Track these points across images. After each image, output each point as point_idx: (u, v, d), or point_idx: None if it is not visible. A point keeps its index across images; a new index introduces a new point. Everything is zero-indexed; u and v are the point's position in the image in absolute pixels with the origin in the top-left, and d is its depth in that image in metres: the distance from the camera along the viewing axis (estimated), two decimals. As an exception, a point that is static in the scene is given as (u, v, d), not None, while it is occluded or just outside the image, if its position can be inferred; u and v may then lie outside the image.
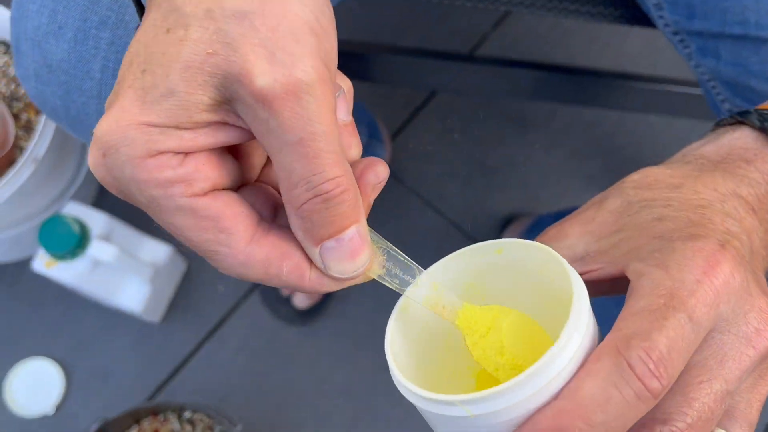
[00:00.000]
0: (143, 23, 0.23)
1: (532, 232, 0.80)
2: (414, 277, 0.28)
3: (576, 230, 0.29)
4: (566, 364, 0.24)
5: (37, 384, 0.86)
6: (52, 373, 0.86)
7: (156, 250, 0.82)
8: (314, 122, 0.22)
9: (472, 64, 0.76)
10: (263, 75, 0.22)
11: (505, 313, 0.28)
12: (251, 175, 0.27)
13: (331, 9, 0.24)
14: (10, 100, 0.83)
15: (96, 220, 0.77)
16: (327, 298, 0.90)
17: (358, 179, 0.25)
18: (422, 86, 0.80)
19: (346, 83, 0.26)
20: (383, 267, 0.28)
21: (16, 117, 0.83)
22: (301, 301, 0.88)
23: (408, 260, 0.28)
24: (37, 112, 0.83)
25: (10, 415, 0.85)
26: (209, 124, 0.23)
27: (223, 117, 0.23)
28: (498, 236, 0.95)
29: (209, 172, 0.23)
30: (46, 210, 0.80)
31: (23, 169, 0.71)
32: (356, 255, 0.25)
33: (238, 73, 0.22)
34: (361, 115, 0.74)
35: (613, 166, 0.99)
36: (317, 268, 0.25)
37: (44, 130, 0.73)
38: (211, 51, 0.22)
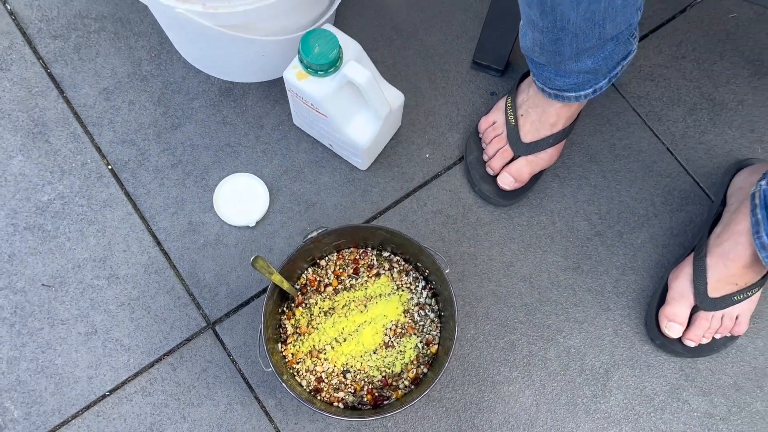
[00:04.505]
0: None
1: None
2: None
3: None
4: None
5: (245, 197, 0.90)
6: (259, 190, 0.90)
7: (391, 94, 0.84)
8: None
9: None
10: None
11: None
12: None
13: None
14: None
15: (349, 45, 0.79)
16: (528, 187, 0.90)
17: None
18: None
19: None
20: None
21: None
22: (505, 182, 0.88)
23: None
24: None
25: (216, 219, 0.89)
26: None
27: None
28: (713, 172, 0.92)
29: None
30: (303, 29, 0.83)
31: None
32: None
33: None
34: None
35: None
36: None
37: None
38: None
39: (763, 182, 0.78)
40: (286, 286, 0.76)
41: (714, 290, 0.83)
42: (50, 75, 0.94)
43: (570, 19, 0.66)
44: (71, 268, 0.87)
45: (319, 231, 0.76)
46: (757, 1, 0.78)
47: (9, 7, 0.97)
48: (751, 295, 0.83)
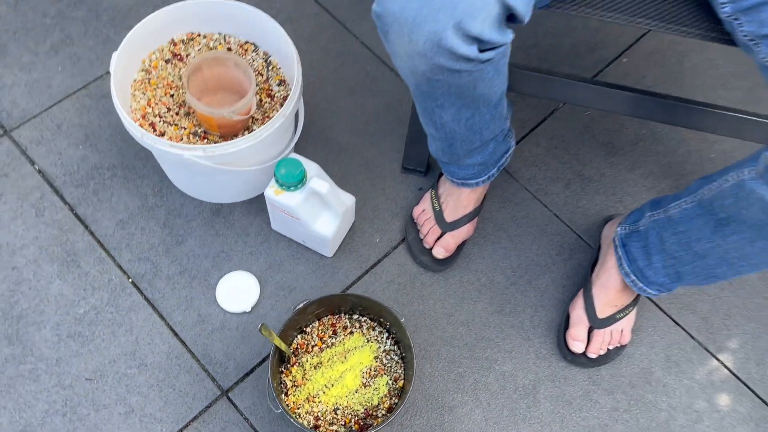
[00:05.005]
0: None
1: (627, 221, 1.07)
2: None
3: None
4: None
5: (240, 289, 1.15)
6: (251, 283, 1.15)
7: (345, 197, 1.12)
8: None
9: (592, 85, 1.08)
10: None
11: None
12: None
13: None
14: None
15: (310, 165, 1.08)
16: (456, 254, 1.18)
17: None
18: (552, 97, 1.11)
19: None
20: None
21: (253, 96, 1.17)
22: (438, 253, 1.17)
23: None
24: (269, 95, 1.17)
25: (219, 309, 1.14)
26: None
27: None
28: (589, 228, 1.23)
29: None
30: (275, 159, 1.12)
31: (277, 119, 1.04)
32: None
33: None
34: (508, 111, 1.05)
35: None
36: None
37: (290, 100, 1.06)
38: None
39: (619, 229, 1.08)
40: (283, 347, 1.00)
41: (601, 312, 1.11)
42: (76, 215, 1.20)
43: (456, 130, 0.96)
44: (108, 363, 1.09)
45: (304, 302, 1.02)
46: (603, 108, 1.11)
47: (37, 167, 1.23)
48: (629, 313, 1.12)
